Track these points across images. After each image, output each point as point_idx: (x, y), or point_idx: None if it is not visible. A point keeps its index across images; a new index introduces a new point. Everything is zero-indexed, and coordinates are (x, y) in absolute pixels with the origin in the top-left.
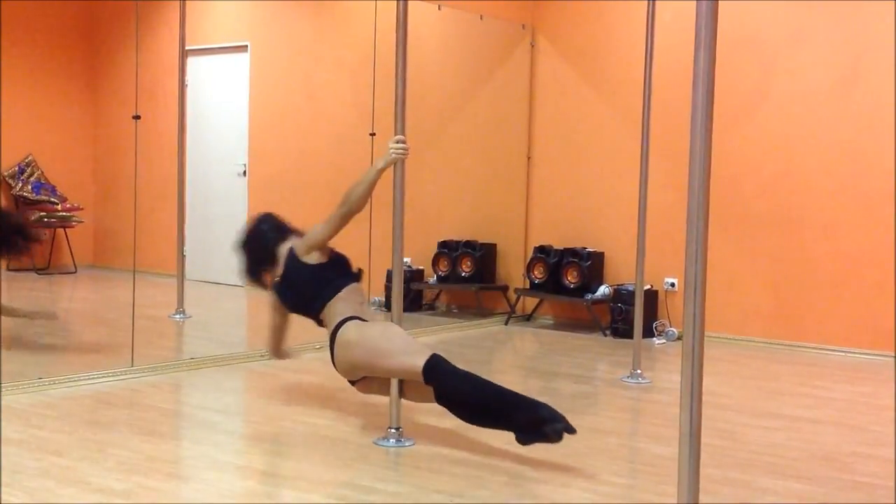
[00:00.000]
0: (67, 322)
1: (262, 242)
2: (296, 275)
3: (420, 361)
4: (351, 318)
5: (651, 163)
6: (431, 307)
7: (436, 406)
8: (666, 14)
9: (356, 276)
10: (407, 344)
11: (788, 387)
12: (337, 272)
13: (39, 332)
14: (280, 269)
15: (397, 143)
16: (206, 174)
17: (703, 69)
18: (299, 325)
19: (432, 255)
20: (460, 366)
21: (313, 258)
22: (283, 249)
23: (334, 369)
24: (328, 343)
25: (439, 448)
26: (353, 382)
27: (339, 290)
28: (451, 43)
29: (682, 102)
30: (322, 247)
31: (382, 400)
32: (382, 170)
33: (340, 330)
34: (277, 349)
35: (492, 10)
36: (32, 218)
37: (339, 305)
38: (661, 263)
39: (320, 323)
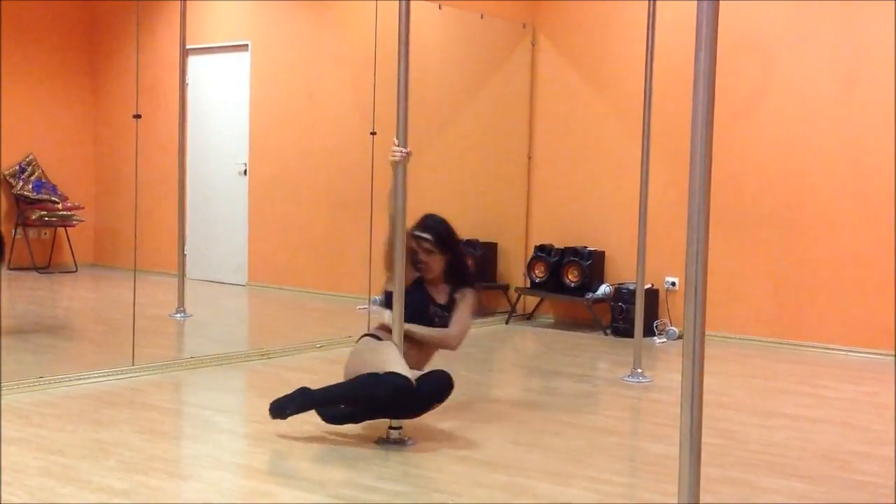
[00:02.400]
0: (68, 321)
1: None
2: None
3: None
4: (365, 334)
5: (652, 162)
6: None
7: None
8: (666, 14)
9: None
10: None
11: (789, 386)
12: None
13: (40, 331)
14: None
15: (395, 145)
16: (206, 173)
17: (703, 69)
18: (293, 327)
19: None
20: (461, 365)
21: None
22: None
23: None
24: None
25: (439, 448)
26: None
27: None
28: (451, 42)
29: (683, 102)
30: None
31: None
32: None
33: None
34: None
35: (492, 10)
36: (33, 217)
37: None
38: (661, 262)
39: None
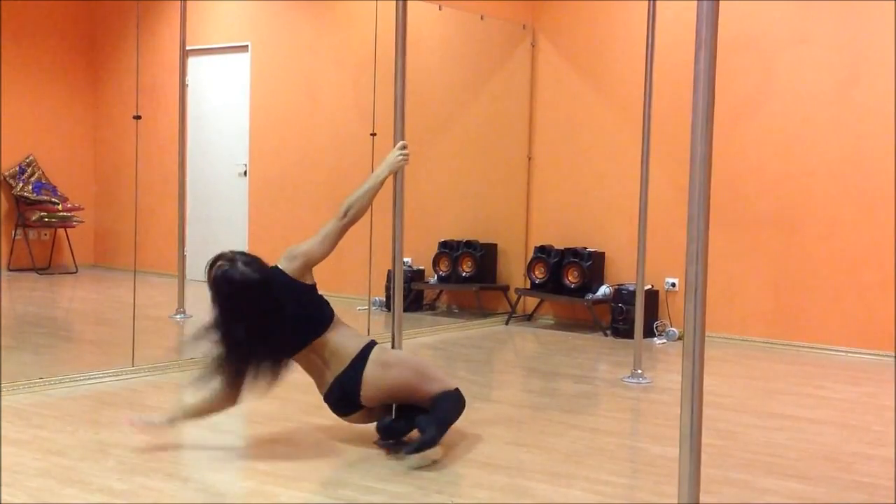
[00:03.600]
0: (68, 322)
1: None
2: (295, 300)
3: (453, 385)
4: (374, 341)
5: (652, 162)
6: (432, 307)
7: None
8: (666, 14)
9: None
10: (437, 369)
11: (789, 387)
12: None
13: (40, 331)
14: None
15: (402, 149)
16: (206, 174)
17: (703, 69)
18: None
19: (433, 255)
20: (461, 367)
21: (309, 279)
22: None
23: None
24: (345, 368)
25: (439, 449)
26: (346, 415)
27: (333, 313)
28: (451, 43)
29: (683, 102)
30: (317, 264)
31: None
32: (385, 178)
33: (374, 350)
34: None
35: (492, 11)
36: (33, 218)
37: (343, 329)
38: (661, 263)
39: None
